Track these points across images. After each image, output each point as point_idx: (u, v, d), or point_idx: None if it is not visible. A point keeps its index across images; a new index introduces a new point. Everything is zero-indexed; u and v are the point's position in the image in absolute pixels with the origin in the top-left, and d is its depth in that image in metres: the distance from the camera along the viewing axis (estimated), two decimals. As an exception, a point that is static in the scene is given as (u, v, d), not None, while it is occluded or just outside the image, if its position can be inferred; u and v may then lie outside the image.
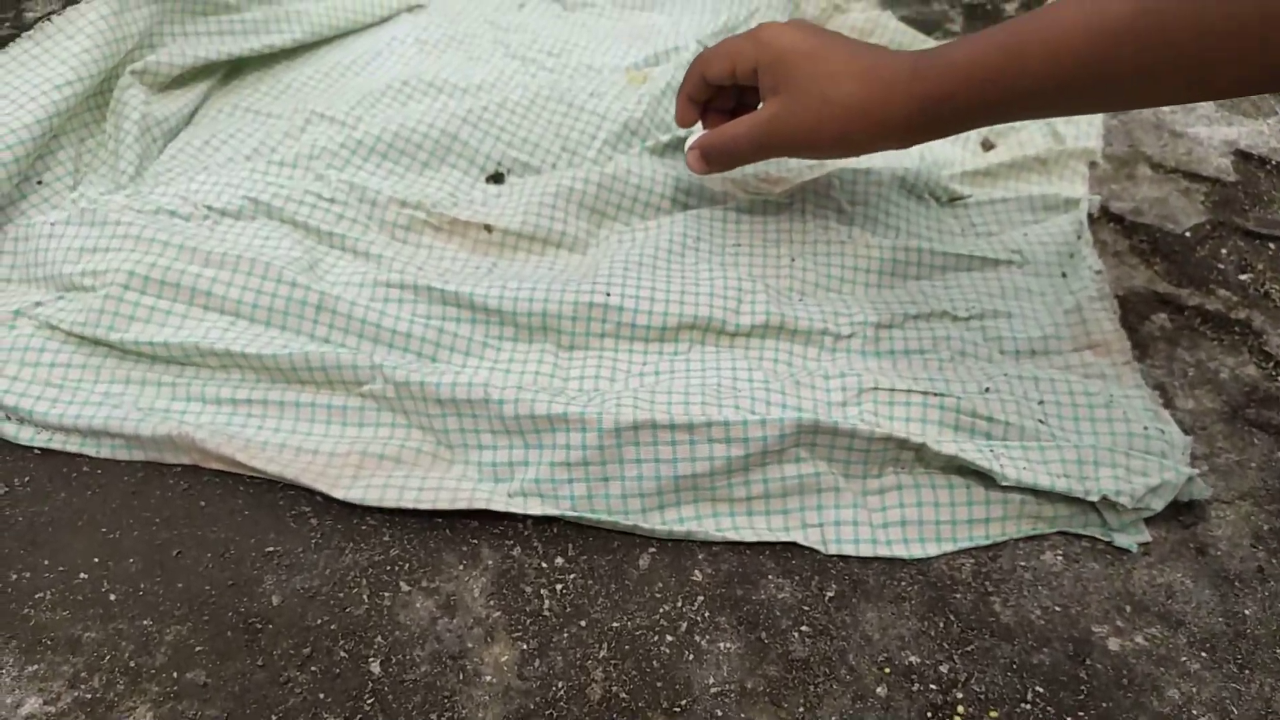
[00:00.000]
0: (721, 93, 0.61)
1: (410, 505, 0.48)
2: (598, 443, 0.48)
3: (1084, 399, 0.54)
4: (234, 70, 0.77)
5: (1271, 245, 0.68)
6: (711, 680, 0.43)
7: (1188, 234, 0.68)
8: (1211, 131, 0.77)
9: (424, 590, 0.46)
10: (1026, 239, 0.65)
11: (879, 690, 0.43)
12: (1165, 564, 0.49)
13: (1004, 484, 0.48)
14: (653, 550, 0.48)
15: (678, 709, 0.42)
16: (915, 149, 0.70)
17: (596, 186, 0.65)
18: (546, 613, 0.45)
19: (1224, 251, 0.67)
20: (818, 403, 0.52)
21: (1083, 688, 0.44)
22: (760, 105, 0.57)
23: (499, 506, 0.48)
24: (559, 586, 0.47)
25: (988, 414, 0.52)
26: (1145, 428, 0.52)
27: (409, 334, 0.55)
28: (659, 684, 0.43)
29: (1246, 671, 0.45)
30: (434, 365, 0.55)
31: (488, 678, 0.43)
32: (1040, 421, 0.52)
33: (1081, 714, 0.43)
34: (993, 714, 0.43)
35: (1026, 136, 0.74)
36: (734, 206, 0.65)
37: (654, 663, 0.44)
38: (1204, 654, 0.45)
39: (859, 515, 0.49)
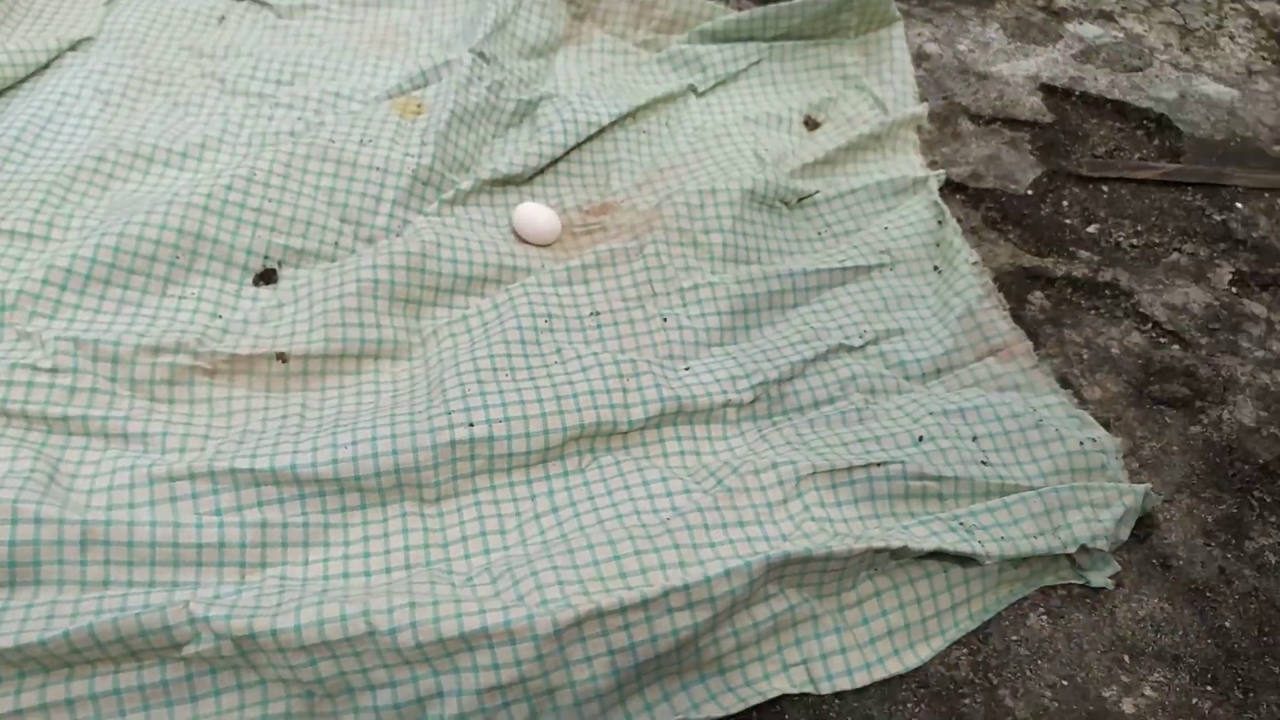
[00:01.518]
0: None
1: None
2: (535, 653, 0.38)
3: (1014, 423, 0.49)
4: None
5: (1104, 188, 0.66)
6: None
7: (1029, 192, 0.65)
8: (1013, 67, 0.75)
9: None
10: (889, 234, 0.60)
11: None
12: (1140, 592, 0.46)
13: (987, 563, 0.43)
14: (625, 756, 0.39)
15: None
16: (749, 147, 0.62)
17: (405, 271, 0.52)
18: None
19: (1066, 204, 0.65)
20: (757, 507, 0.44)
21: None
22: None
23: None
24: None
25: (935, 473, 0.46)
26: (1080, 443, 0.49)
27: (221, 543, 0.41)
28: None
29: (1251, 695, 0.43)
30: (264, 576, 0.41)
31: None
32: (983, 464, 0.47)
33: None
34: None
35: (852, 110, 0.67)
36: (577, 261, 0.54)
37: None
38: (1209, 688, 0.43)
39: (844, 640, 0.42)
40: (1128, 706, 0.42)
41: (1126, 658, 0.44)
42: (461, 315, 0.52)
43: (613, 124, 0.63)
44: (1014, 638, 0.44)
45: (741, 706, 0.40)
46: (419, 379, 0.50)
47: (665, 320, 0.52)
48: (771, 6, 0.70)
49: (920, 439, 0.48)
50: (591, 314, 0.52)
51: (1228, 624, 0.45)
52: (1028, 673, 0.43)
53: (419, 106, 0.61)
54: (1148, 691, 0.43)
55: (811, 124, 0.68)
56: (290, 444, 0.44)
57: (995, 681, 0.43)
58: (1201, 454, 0.51)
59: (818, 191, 0.62)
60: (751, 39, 0.71)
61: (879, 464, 0.46)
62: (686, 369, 0.51)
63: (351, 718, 0.38)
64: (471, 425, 0.45)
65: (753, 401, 0.50)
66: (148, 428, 0.45)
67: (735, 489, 0.45)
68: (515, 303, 0.52)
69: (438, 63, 0.64)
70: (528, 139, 0.61)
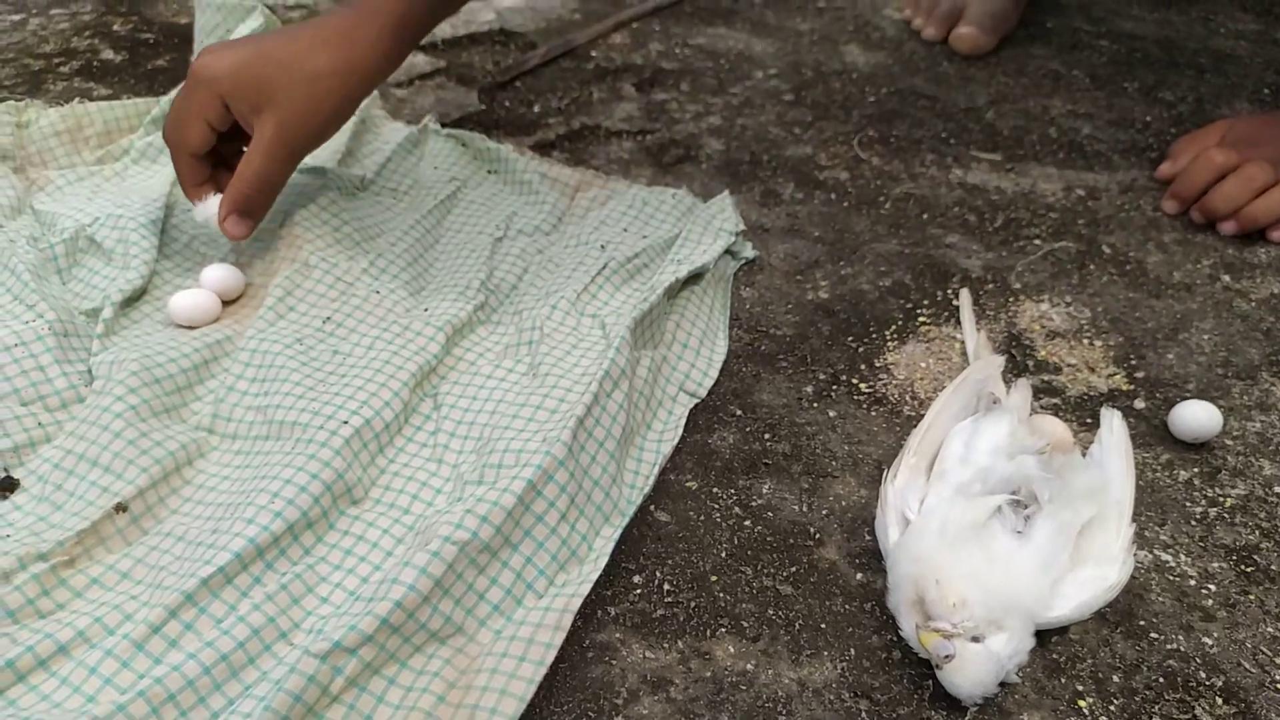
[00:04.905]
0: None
1: None
2: (567, 476, 0.46)
3: (630, 213, 0.68)
4: None
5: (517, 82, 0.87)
6: None
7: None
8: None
9: None
10: (438, 173, 0.73)
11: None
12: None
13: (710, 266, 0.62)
14: None
15: None
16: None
17: (145, 389, 0.51)
18: None
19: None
20: (568, 339, 0.56)
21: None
22: (255, 130, 0.54)
23: None
24: None
25: (636, 251, 0.63)
26: (673, 196, 0.69)
27: (255, 630, 0.41)
28: None
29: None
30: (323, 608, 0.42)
31: None
32: (644, 237, 0.65)
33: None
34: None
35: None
36: (269, 305, 0.58)
37: None
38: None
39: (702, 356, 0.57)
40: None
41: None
42: (229, 389, 0.53)
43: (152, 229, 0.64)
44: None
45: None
46: (262, 438, 0.51)
47: (379, 292, 0.60)
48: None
49: (603, 247, 0.64)
50: (325, 320, 0.57)
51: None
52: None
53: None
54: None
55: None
56: (224, 535, 0.44)
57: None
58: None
59: (364, 176, 0.72)
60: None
61: (604, 265, 0.61)
62: (424, 310, 0.59)
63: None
64: (346, 422, 0.49)
65: (485, 302, 0.61)
66: (72, 630, 0.41)
67: (538, 340, 0.56)
68: (263, 353, 0.54)
69: None
70: (120, 269, 0.61)
